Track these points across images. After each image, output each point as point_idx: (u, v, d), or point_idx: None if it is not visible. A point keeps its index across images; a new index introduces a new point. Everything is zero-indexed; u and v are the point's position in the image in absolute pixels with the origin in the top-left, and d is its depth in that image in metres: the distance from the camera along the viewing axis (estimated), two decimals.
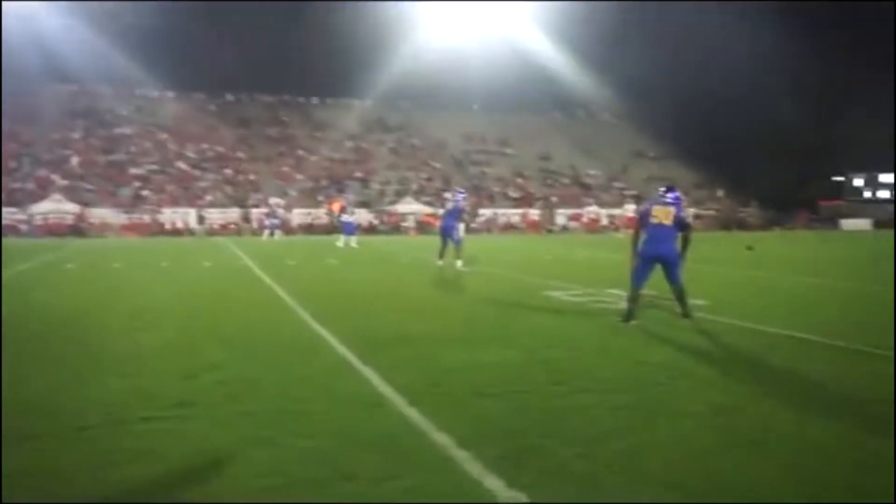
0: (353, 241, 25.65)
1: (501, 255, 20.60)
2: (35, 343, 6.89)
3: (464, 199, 16.47)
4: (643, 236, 8.01)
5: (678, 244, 7.94)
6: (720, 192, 60.67)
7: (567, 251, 23.65)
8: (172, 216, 44.33)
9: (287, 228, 40.48)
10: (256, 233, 43.20)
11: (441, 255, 15.72)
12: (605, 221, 50.67)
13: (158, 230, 42.08)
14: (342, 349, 6.44)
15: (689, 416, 4.43)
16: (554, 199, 55.33)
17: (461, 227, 16.04)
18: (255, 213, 46.04)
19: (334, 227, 43.40)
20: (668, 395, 4.92)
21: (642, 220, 8.11)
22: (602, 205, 54.41)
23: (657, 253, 7.79)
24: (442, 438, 3.99)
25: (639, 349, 6.52)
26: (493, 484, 3.34)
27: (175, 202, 46.34)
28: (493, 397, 4.86)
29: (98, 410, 4.55)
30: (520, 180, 58.32)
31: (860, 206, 59.29)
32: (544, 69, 61.58)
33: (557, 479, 3.40)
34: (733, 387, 5.16)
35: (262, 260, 18.74)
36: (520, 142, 64.34)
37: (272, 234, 33.75)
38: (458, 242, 15.64)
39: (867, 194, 60.69)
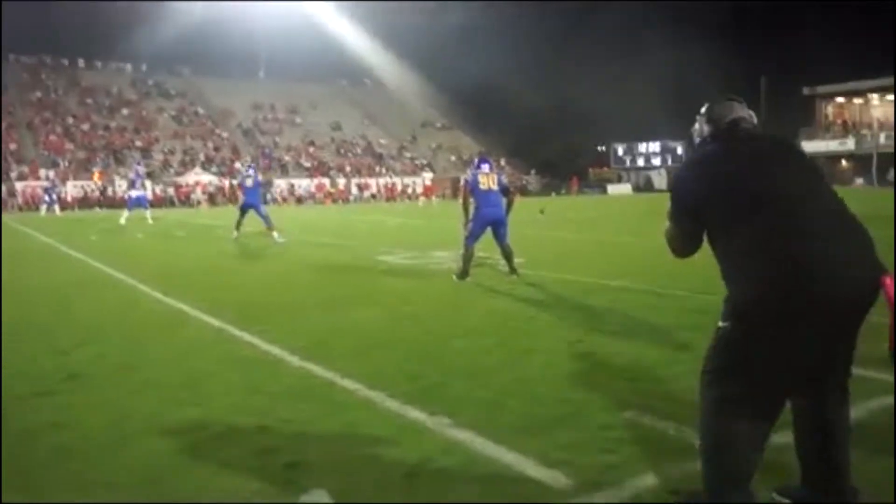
0: (148, 214, 24.17)
1: (316, 225, 20.78)
2: None
3: (254, 170, 16.57)
4: (475, 202, 8.81)
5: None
6: (503, 161, 64.55)
7: (377, 219, 24.29)
8: None
9: (62, 203, 37.07)
10: (24, 208, 39.23)
11: (238, 227, 15.72)
12: (407, 190, 51.86)
13: None
14: (212, 320, 6.55)
15: (550, 350, 5.24)
16: (348, 168, 55.66)
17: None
18: (19, 186, 41.60)
19: (108, 201, 40.57)
20: (525, 336, 5.72)
21: (473, 188, 8.89)
22: (396, 173, 55.67)
23: (492, 216, 8.64)
24: (350, 384, 4.44)
25: (484, 301, 7.33)
26: (416, 415, 3.88)
27: None
28: (380, 348, 5.37)
29: None
30: (312, 149, 57.87)
31: (623, 173, 66.09)
32: (330, 37, 61.33)
33: (470, 406, 4.00)
34: (573, 325, 6.09)
35: (62, 237, 17.36)
36: (309, 111, 63.67)
37: (50, 208, 30.86)
38: (266, 217, 15.63)
39: (628, 163, 67.61)
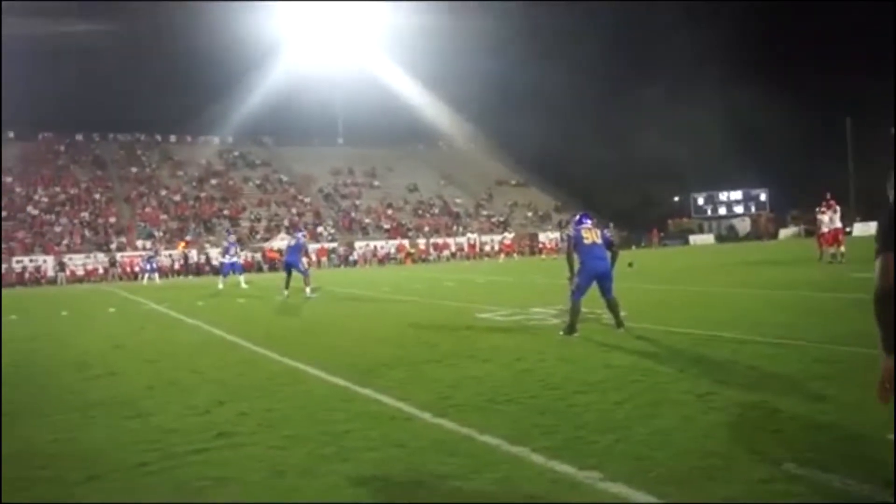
0: (242, 279, 25.07)
1: (407, 285, 21.11)
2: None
3: (303, 236, 19.34)
4: (580, 257, 8.85)
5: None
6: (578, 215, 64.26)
7: (463, 277, 24.50)
8: (29, 264, 41.40)
9: (162, 271, 38.87)
10: (124, 277, 41.26)
11: (287, 286, 17.92)
12: (485, 248, 52.16)
13: (17, 281, 39.07)
14: (334, 378, 6.75)
15: (681, 402, 5.18)
16: (426, 228, 56.54)
17: (304, 260, 18.60)
18: (119, 256, 43.89)
19: (195, 268, 42.38)
20: (650, 390, 5.67)
21: (577, 243, 8.95)
22: (473, 232, 56.18)
23: (598, 270, 8.67)
24: (491, 439, 4.50)
25: (598, 355, 7.30)
26: (565, 469, 3.89)
27: (29, 250, 43.31)
28: (506, 404, 5.42)
29: (137, 449, 4.68)
30: (390, 211, 59.13)
31: (704, 223, 64.87)
32: (404, 102, 63.23)
33: (616, 459, 3.99)
34: (696, 377, 6.00)
35: (171, 303, 18.22)
36: (386, 174, 65.34)
37: (150, 277, 32.40)
38: (305, 273, 17.77)
39: (709, 212, 66.38)
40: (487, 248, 51.51)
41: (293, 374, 7.16)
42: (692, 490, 3.50)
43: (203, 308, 16.25)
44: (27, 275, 40.52)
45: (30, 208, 48.78)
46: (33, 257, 42.20)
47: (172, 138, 65.27)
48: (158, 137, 64.57)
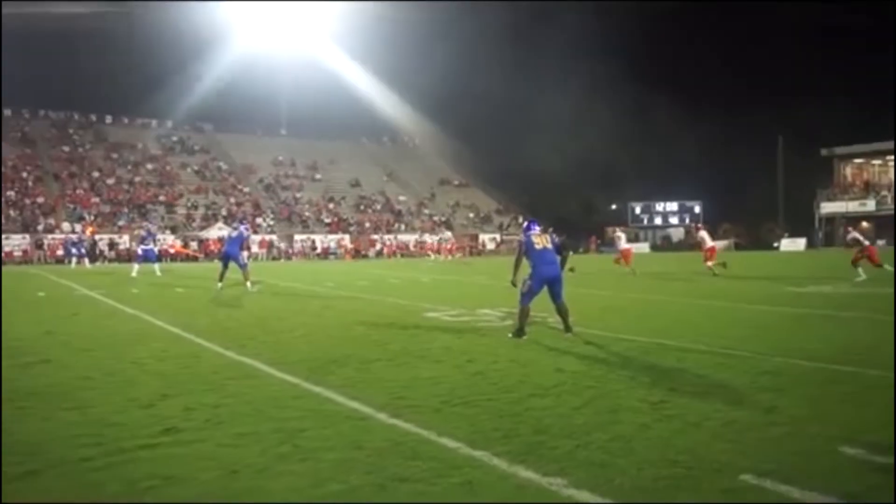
0: (157, 268, 24.67)
1: (351, 281, 20.84)
2: None
3: (246, 229, 18.42)
4: (531, 262, 8.86)
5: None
6: (520, 219, 64.90)
7: (409, 276, 24.35)
8: None
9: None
10: (51, 260, 39.66)
11: (221, 279, 16.93)
12: (420, 246, 52.14)
13: None
14: (283, 375, 6.58)
15: (636, 410, 5.21)
16: (367, 224, 56.16)
17: (245, 253, 18.07)
18: (48, 239, 42.17)
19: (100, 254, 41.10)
20: (605, 396, 5.69)
21: (528, 248, 8.97)
22: (414, 230, 56.11)
23: (550, 274, 8.70)
24: (450, 442, 4.43)
25: (549, 360, 7.30)
26: (528, 475, 3.85)
27: None
28: (462, 406, 5.36)
29: (78, 443, 4.45)
30: (332, 205, 58.50)
31: (640, 231, 66.33)
32: (350, 96, 62.65)
33: (579, 466, 3.97)
34: (649, 385, 6.05)
35: (108, 289, 17.54)
36: (328, 167, 64.64)
37: (79, 261, 31.18)
38: (244, 267, 17.23)
39: (645, 221, 67.93)
40: (429, 247, 51.52)
41: (240, 369, 6.95)
42: (658, 499, 3.50)
43: (139, 296, 15.70)
44: None
45: None
46: None
47: (108, 119, 63.12)
48: (93, 117, 62.36)
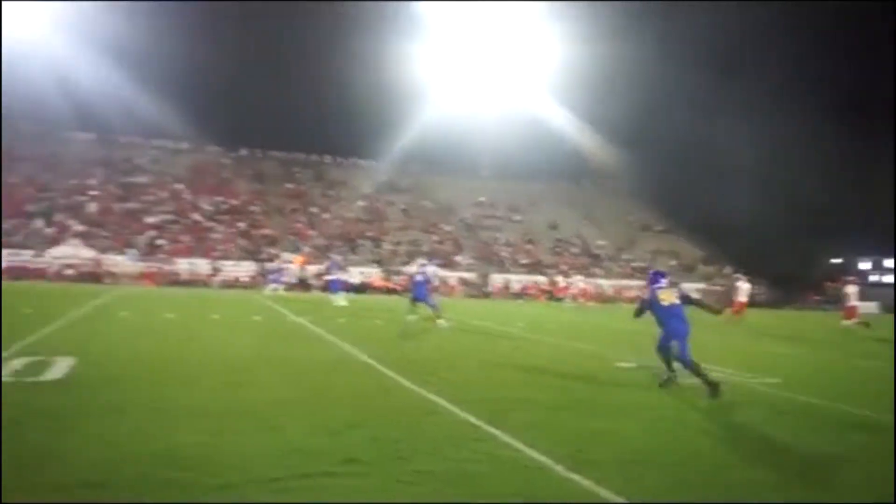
0: (341, 298, 26.25)
1: (542, 324, 20.69)
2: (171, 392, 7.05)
3: (433, 271, 18.89)
4: (659, 320, 8.70)
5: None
6: (727, 269, 61.22)
7: (600, 321, 23.77)
8: (188, 266, 44.59)
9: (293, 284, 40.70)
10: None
11: (410, 313, 17.24)
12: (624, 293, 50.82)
13: (174, 280, 42.19)
14: (465, 415, 6.59)
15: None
16: (563, 266, 55.77)
17: (429, 288, 18.15)
18: (269, 266, 46.31)
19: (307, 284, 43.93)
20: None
21: (651, 305, 8.77)
22: (612, 276, 54.88)
23: (679, 332, 8.45)
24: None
25: (754, 427, 6.71)
26: None
27: (189, 252, 46.60)
28: (645, 464, 5.04)
29: (269, 463, 4.71)
30: (529, 247, 58.86)
31: (866, 290, 59.85)
32: (552, 138, 63.02)
33: None
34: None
35: (313, 316, 18.91)
36: (529, 209, 65.27)
37: (275, 288, 33.78)
38: (434, 307, 17.32)
39: (873, 278, 61.33)
40: (627, 294, 50.02)
41: (424, 404, 7.07)
42: None
43: (343, 326, 16.62)
44: (184, 275, 43.54)
45: (194, 214, 52.60)
46: (192, 260, 45.33)
47: (327, 159, 68.58)
48: (314, 157, 68.04)
